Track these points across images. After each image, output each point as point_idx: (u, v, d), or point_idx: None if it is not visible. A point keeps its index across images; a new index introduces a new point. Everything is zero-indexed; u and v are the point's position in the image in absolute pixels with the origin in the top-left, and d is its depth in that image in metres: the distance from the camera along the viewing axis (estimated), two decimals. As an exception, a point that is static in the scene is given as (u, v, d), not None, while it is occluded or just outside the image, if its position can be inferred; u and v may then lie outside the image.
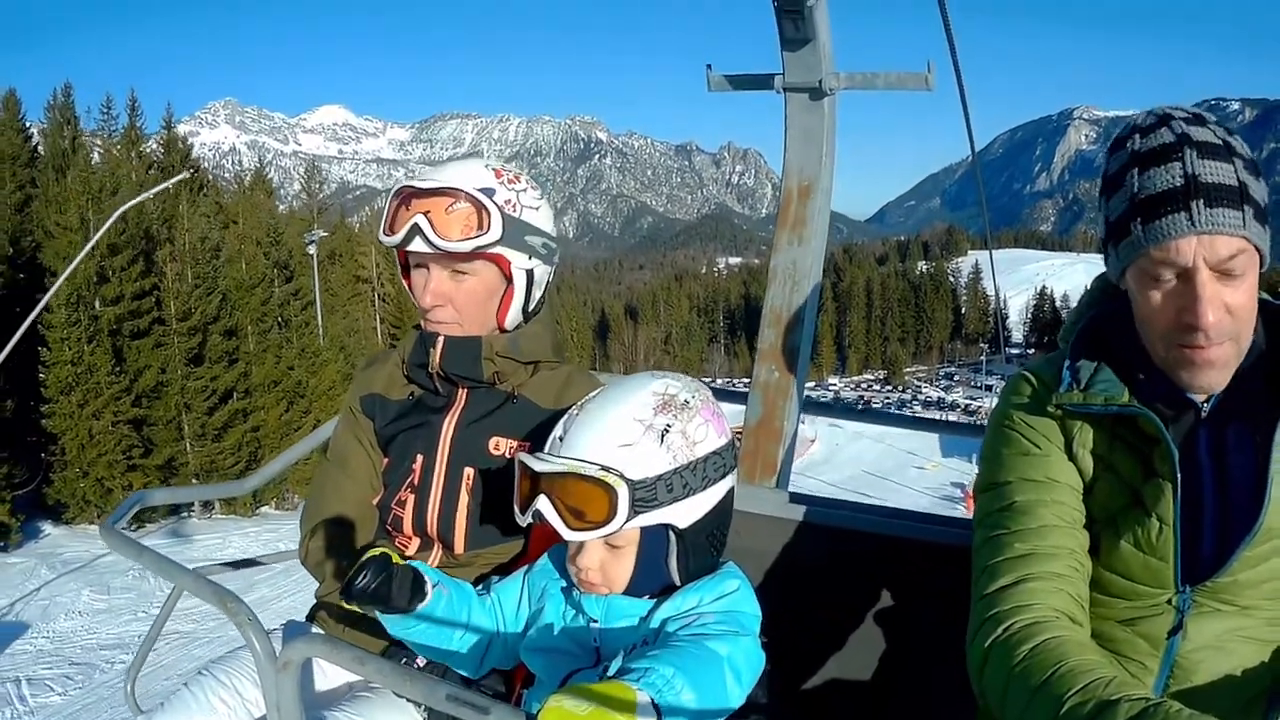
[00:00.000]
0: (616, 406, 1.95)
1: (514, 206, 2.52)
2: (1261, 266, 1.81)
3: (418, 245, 2.43)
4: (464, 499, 2.55)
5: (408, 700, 2.41)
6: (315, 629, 2.71)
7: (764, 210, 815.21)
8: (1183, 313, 1.77)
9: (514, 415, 2.58)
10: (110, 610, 18.58)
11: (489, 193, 2.47)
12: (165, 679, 12.33)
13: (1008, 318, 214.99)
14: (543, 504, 1.90)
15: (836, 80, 3.58)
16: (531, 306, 2.67)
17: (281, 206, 56.93)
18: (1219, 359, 1.82)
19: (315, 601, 2.76)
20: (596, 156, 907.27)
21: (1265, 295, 1.97)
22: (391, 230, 2.46)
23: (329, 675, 2.64)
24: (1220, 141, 1.78)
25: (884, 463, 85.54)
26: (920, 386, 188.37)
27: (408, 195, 2.47)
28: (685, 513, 1.95)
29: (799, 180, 3.74)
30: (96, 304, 30.54)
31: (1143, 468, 1.95)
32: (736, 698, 1.82)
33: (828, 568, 2.94)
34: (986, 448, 2.15)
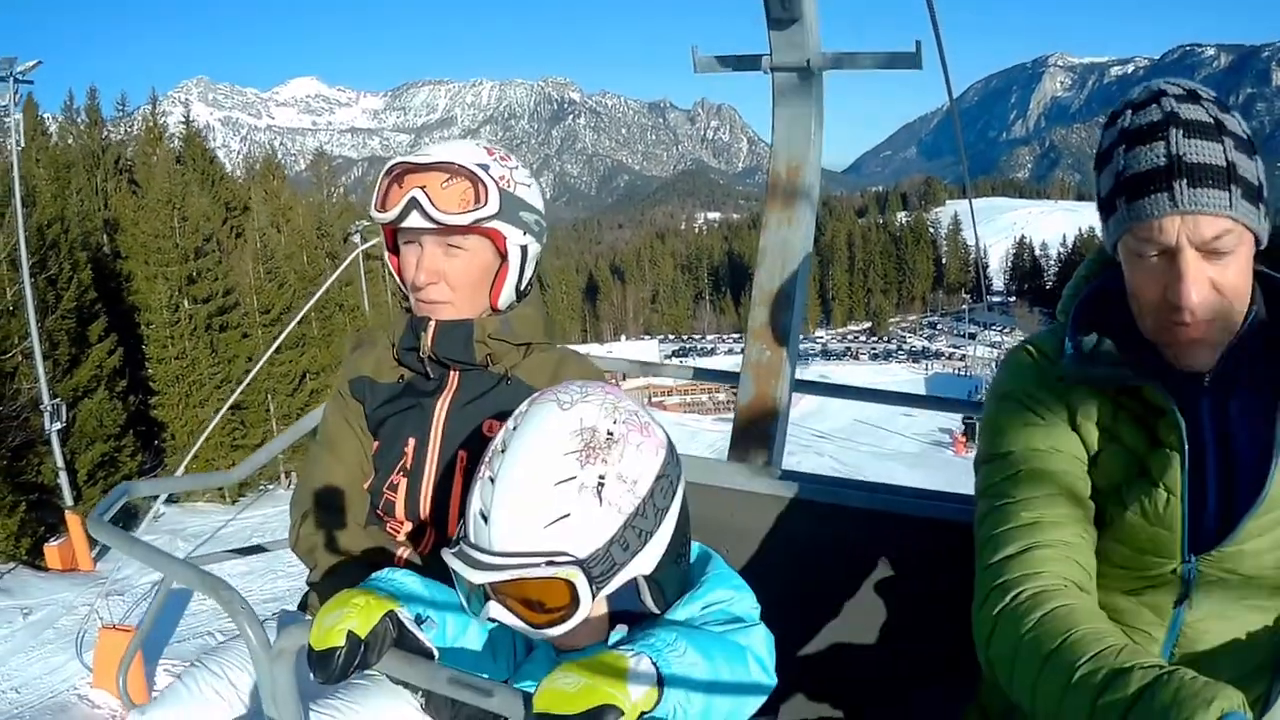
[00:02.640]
0: (537, 471, 1.67)
1: (508, 182, 2.47)
2: (1259, 245, 1.80)
3: (414, 220, 2.36)
4: (458, 483, 2.46)
5: (405, 686, 2.20)
6: (308, 617, 2.40)
7: (740, 165, 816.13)
8: (1167, 290, 1.75)
9: (508, 396, 2.46)
10: (252, 572, 19.90)
11: (484, 167, 2.42)
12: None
13: (988, 266, 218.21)
14: (496, 611, 1.70)
15: (824, 60, 3.54)
16: (524, 285, 2.61)
17: (240, 176, 57.84)
18: (1205, 337, 1.80)
19: (308, 589, 2.68)
20: (570, 117, 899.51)
21: (1264, 268, 1.93)
22: (384, 206, 2.40)
23: None
24: (1210, 120, 1.74)
25: (874, 411, 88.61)
26: (905, 337, 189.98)
27: (401, 171, 2.41)
28: (648, 558, 1.73)
29: (787, 161, 3.70)
30: (185, 303, 34.45)
31: (1147, 438, 1.91)
32: (765, 680, 1.73)
33: (822, 545, 2.91)
34: (987, 420, 2.09)
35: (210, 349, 34.90)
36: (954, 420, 76.49)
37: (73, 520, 24.72)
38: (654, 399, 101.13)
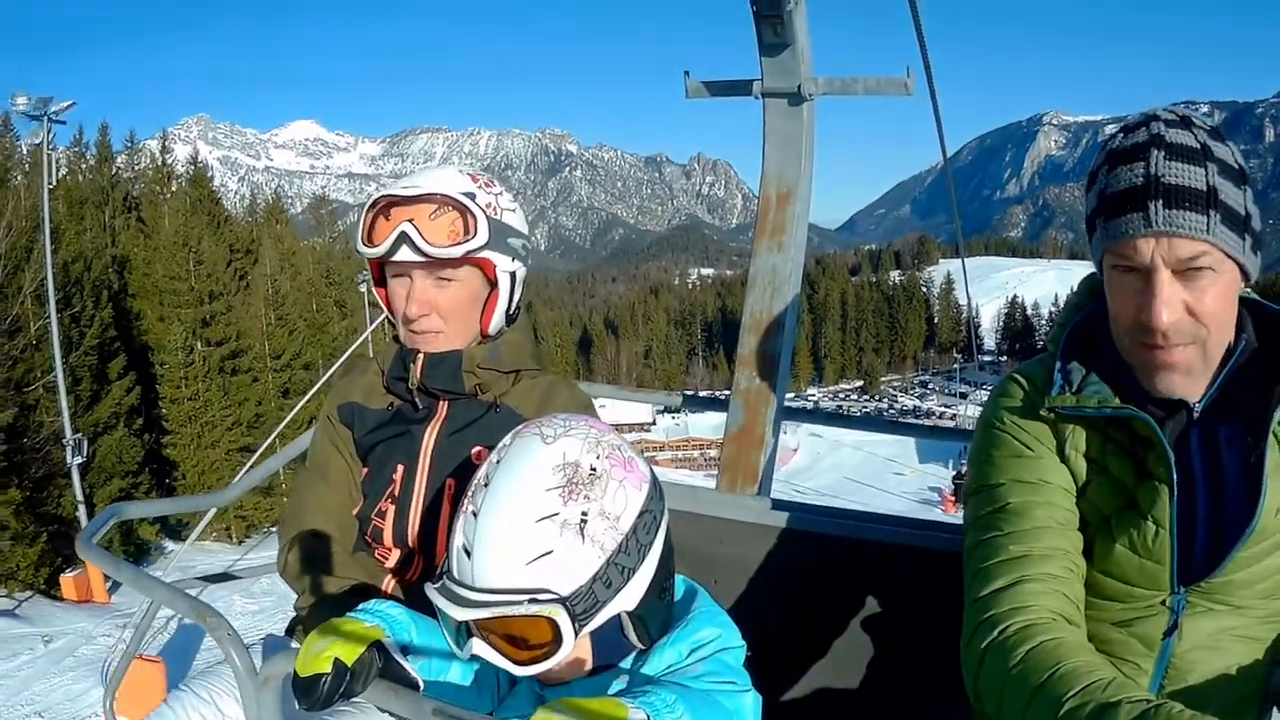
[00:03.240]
0: (520, 507, 1.65)
1: (495, 209, 2.44)
2: (1247, 281, 1.82)
3: (404, 254, 2.33)
4: (446, 510, 2.45)
5: (391, 716, 1.95)
6: (295, 644, 2.61)
7: (734, 221, 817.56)
8: (1140, 311, 1.76)
9: (497, 424, 2.46)
10: (262, 610, 20.21)
11: (470, 196, 2.39)
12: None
13: (980, 326, 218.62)
14: (479, 648, 1.69)
15: (815, 85, 3.52)
16: (513, 309, 2.61)
17: (245, 219, 57.30)
18: (1180, 362, 1.80)
19: (295, 615, 2.66)
20: (567, 169, 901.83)
21: (1254, 295, 1.95)
22: (372, 241, 2.37)
23: None
24: (1196, 145, 1.75)
25: (864, 470, 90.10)
26: (896, 395, 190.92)
27: (387, 204, 2.37)
28: (632, 595, 1.72)
29: (778, 187, 3.68)
30: (198, 345, 35.22)
31: (1136, 469, 1.91)
32: None
33: (811, 574, 2.88)
34: (976, 450, 2.09)
35: (223, 391, 35.69)
36: (943, 480, 77.74)
37: None
38: (645, 454, 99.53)
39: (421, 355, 2.51)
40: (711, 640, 1.79)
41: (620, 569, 1.69)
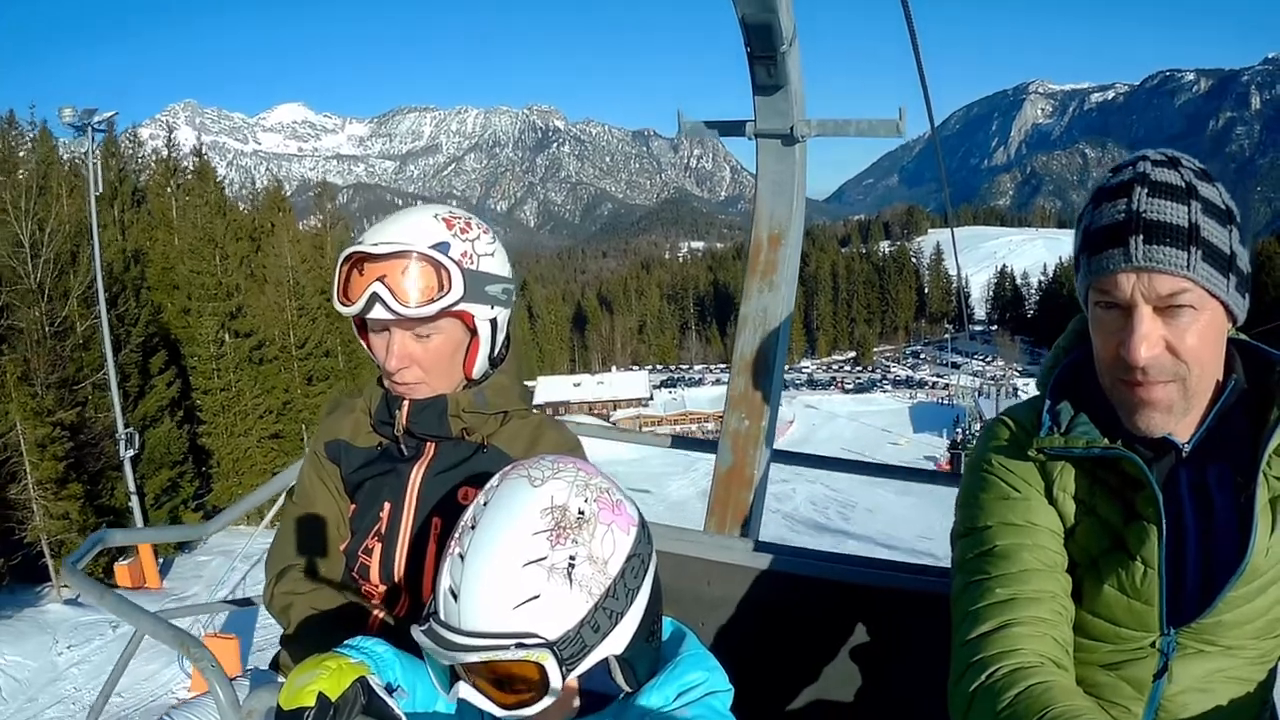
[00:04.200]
0: (507, 550, 1.64)
1: (471, 258, 2.38)
2: (1235, 322, 1.82)
3: (378, 313, 2.29)
4: (432, 549, 2.45)
5: None
6: (280, 678, 2.63)
7: (723, 193, 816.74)
8: (1120, 347, 1.74)
9: (485, 464, 2.46)
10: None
11: (444, 248, 2.33)
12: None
13: (970, 296, 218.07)
14: (465, 692, 1.68)
15: (808, 127, 3.54)
16: (496, 352, 2.57)
17: (244, 207, 57.70)
18: (1160, 399, 1.78)
19: (280, 648, 2.68)
20: (555, 145, 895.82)
21: (1243, 335, 1.94)
22: (348, 298, 2.32)
23: None
24: (1181, 184, 1.74)
25: (860, 441, 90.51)
26: (889, 366, 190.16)
27: (359, 259, 2.31)
28: (620, 639, 1.71)
29: (769, 228, 3.69)
30: (227, 338, 36.80)
31: (1124, 510, 1.90)
32: None
33: (799, 616, 2.88)
34: (964, 493, 2.08)
35: (253, 381, 37.30)
36: (938, 448, 79.67)
37: (143, 546, 26.39)
38: (645, 429, 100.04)
39: (407, 402, 2.49)
40: (699, 684, 1.79)
41: (608, 613, 1.68)
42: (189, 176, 48.10)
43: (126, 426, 29.41)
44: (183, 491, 32.44)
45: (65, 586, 26.17)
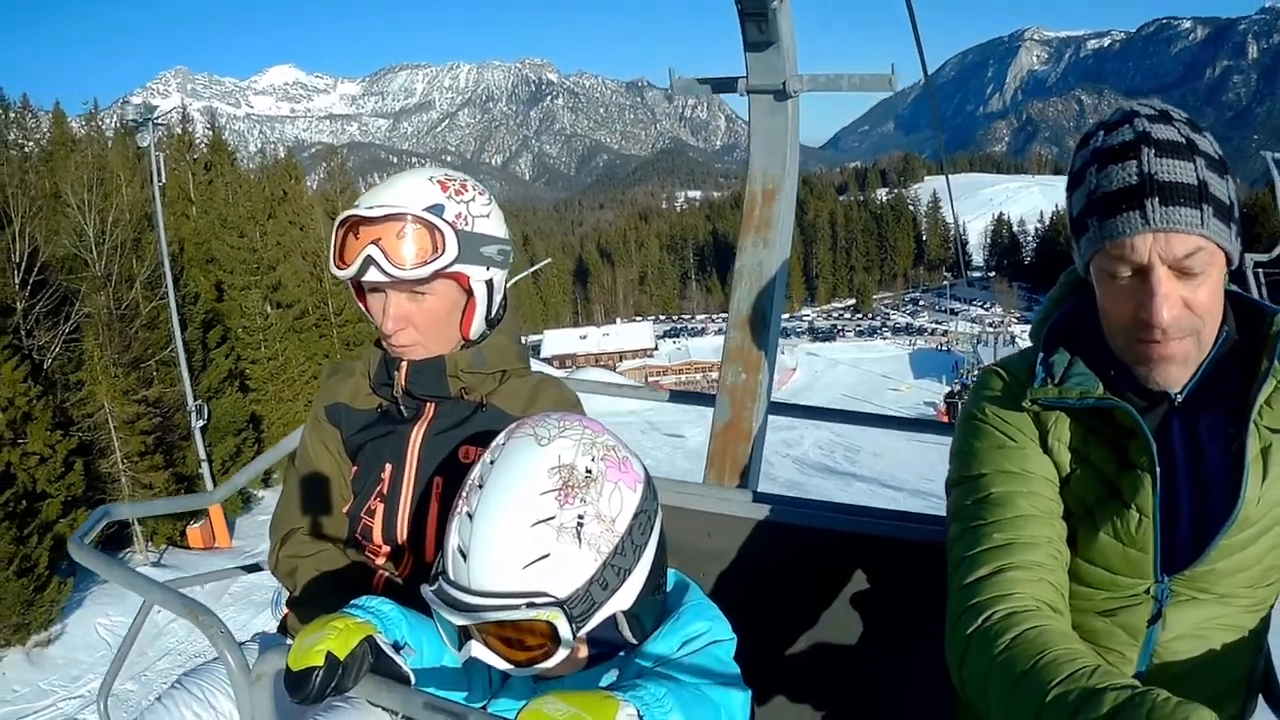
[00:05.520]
0: (516, 510, 1.67)
1: (465, 219, 2.39)
2: (1229, 265, 1.78)
3: (373, 275, 2.30)
4: (434, 508, 2.45)
5: (384, 709, 2.10)
6: (288, 640, 2.58)
7: (719, 142, 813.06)
8: (1140, 309, 1.74)
9: (484, 423, 2.47)
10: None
11: (438, 210, 2.34)
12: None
13: (967, 243, 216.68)
14: (478, 651, 1.71)
15: (800, 83, 3.50)
16: (493, 313, 2.57)
17: (251, 173, 56.85)
18: (1178, 354, 1.78)
19: (286, 612, 2.69)
20: (549, 98, 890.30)
21: (1234, 287, 1.93)
22: (343, 261, 2.33)
23: None
24: (1183, 140, 1.73)
25: (861, 386, 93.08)
26: (889, 313, 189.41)
27: (355, 223, 2.32)
28: (628, 595, 1.74)
29: (763, 184, 3.67)
30: (270, 309, 38.86)
31: (1118, 459, 1.90)
32: None
33: (798, 565, 2.89)
34: (959, 442, 2.08)
35: (299, 349, 39.30)
36: (938, 394, 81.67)
37: (214, 507, 27.98)
38: (650, 379, 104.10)
39: (405, 363, 2.50)
40: (702, 634, 1.81)
41: (616, 570, 1.71)
42: (204, 150, 49.19)
43: (195, 399, 31.32)
44: (243, 457, 33.93)
45: (146, 550, 28.45)
